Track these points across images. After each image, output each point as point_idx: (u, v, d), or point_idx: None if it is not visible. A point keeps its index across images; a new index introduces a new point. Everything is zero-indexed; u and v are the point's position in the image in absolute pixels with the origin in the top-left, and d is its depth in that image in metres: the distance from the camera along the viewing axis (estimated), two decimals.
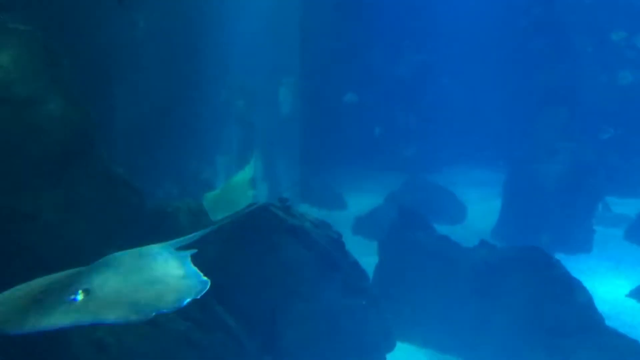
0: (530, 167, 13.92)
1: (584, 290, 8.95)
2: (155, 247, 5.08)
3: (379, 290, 8.68)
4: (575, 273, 9.39)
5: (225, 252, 7.27)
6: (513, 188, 14.21)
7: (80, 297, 4.16)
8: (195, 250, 5.14)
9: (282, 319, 7.33)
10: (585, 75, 17.46)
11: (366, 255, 9.57)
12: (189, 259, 4.88)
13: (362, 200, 15.67)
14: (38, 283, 4.68)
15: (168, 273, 4.54)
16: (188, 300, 4.17)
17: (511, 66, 17.78)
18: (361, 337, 7.76)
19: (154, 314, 4.00)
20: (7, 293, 4.56)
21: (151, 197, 8.24)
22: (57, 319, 4.00)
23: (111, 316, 4.00)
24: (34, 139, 6.35)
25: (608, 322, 8.91)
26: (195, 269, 4.66)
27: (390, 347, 8.10)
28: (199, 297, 4.23)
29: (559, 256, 9.81)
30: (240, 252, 7.32)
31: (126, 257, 4.80)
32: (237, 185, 8.33)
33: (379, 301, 8.12)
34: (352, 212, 15.18)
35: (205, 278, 4.50)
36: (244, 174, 8.60)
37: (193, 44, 11.91)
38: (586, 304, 8.81)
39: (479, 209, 15.38)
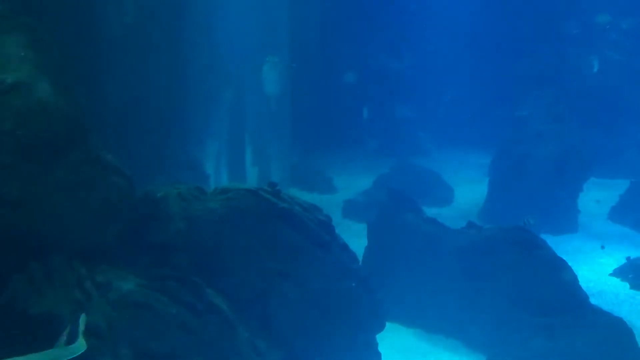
0: (516, 150, 14.06)
1: (568, 269, 9.11)
2: None
3: (369, 272, 8.76)
4: (561, 253, 9.55)
5: (216, 235, 7.32)
6: (500, 170, 14.36)
7: None
8: None
9: (274, 302, 7.40)
10: (570, 57, 17.58)
11: (355, 238, 9.67)
12: None
13: (351, 184, 15.75)
14: None
15: None
16: None
17: (497, 50, 17.85)
18: (351, 318, 7.83)
19: None
20: None
21: (148, 183, 8.23)
22: None
23: None
24: (22, 125, 6.33)
25: (592, 300, 9.09)
26: None
27: (380, 328, 8.18)
28: None
29: (545, 236, 9.93)
30: (231, 235, 7.37)
31: None
32: None
33: (368, 282, 8.19)
34: (342, 195, 15.26)
35: None
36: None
37: (180, 29, 11.87)
38: (571, 282, 8.97)
39: (466, 192, 15.52)
